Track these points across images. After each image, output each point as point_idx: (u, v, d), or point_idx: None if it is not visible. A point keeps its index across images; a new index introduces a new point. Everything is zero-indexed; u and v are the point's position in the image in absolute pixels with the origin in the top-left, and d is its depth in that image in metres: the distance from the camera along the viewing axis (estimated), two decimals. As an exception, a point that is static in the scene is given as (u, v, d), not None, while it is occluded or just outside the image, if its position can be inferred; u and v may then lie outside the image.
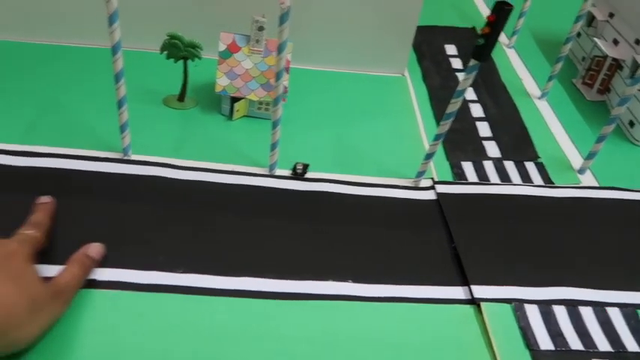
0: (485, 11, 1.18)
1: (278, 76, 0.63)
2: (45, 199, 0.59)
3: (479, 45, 0.58)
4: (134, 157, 0.69)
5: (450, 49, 1.03)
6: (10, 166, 0.65)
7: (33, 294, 0.47)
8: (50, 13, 0.85)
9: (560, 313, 0.58)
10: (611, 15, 0.95)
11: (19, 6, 0.85)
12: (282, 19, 0.58)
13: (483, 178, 0.76)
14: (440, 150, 0.80)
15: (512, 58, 1.03)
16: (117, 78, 0.63)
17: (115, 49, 0.61)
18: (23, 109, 0.75)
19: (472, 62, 0.60)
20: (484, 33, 0.57)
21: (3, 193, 0.62)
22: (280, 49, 0.60)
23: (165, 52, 0.74)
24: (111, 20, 0.59)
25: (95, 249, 0.55)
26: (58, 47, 0.87)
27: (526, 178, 0.77)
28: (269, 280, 0.57)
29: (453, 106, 0.65)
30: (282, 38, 0.59)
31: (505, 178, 0.77)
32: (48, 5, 0.85)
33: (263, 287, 0.57)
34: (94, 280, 0.54)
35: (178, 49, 0.73)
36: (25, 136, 0.70)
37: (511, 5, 0.55)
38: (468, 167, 0.78)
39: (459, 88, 0.63)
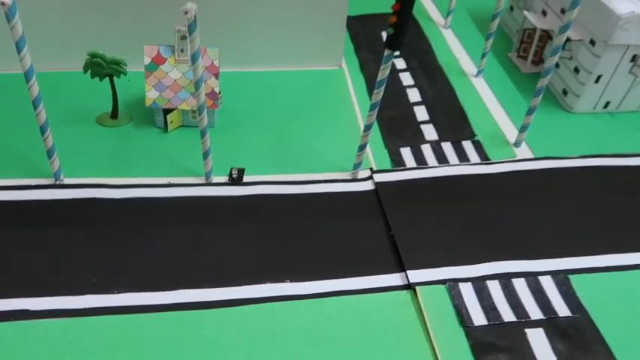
0: (422, -7, 1.18)
1: (197, 85, 0.63)
2: None
3: (390, 34, 0.59)
4: (67, 180, 0.69)
5: (387, 36, 1.04)
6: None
7: None
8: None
9: (494, 287, 0.59)
10: (538, -14, 0.97)
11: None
12: (191, 28, 0.58)
13: (422, 162, 0.77)
14: (378, 138, 0.81)
15: (448, 39, 1.04)
16: (35, 104, 0.62)
17: (28, 75, 0.60)
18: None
19: (386, 52, 0.61)
20: (392, 22, 0.58)
21: None
22: (194, 57, 0.60)
23: (89, 72, 0.74)
24: (19, 47, 0.58)
25: None
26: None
27: (463, 158, 0.78)
28: (205, 289, 0.58)
29: (376, 97, 0.66)
30: (193, 48, 0.59)
31: (443, 159, 0.78)
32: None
33: (199, 298, 0.57)
34: (27, 311, 0.54)
35: (101, 67, 0.73)
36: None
37: (413, -8, 0.56)
38: (406, 153, 0.79)
39: (379, 78, 0.64)
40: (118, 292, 0.57)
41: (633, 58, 0.81)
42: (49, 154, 0.66)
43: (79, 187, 0.68)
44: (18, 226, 0.63)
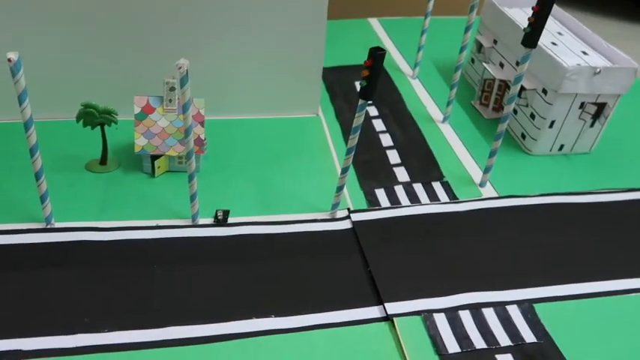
0: (391, 47, 1.28)
1: (187, 133, 0.68)
2: None
3: (363, 86, 0.66)
4: (58, 224, 0.72)
5: (360, 86, 1.11)
6: None
7: None
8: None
9: (466, 317, 0.64)
10: (495, 42, 1.07)
11: None
12: (183, 81, 0.63)
13: (395, 202, 0.83)
14: (354, 180, 0.86)
15: (416, 88, 1.12)
16: (32, 152, 0.66)
17: (27, 125, 0.64)
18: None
19: (360, 102, 0.67)
20: (365, 76, 0.65)
21: None
22: (185, 108, 0.65)
23: (82, 121, 0.78)
24: (21, 99, 0.62)
25: None
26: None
27: (433, 197, 0.84)
28: (193, 326, 0.60)
29: (352, 142, 0.72)
30: (185, 98, 0.64)
31: (414, 199, 0.83)
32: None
33: (187, 334, 0.60)
34: (19, 351, 0.56)
35: (94, 117, 0.77)
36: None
37: (384, 50, 0.62)
38: (380, 194, 0.84)
39: (354, 125, 0.70)
40: (109, 331, 0.59)
41: (581, 105, 0.89)
42: (42, 199, 0.69)
43: (69, 231, 0.70)
44: (10, 269, 0.65)
